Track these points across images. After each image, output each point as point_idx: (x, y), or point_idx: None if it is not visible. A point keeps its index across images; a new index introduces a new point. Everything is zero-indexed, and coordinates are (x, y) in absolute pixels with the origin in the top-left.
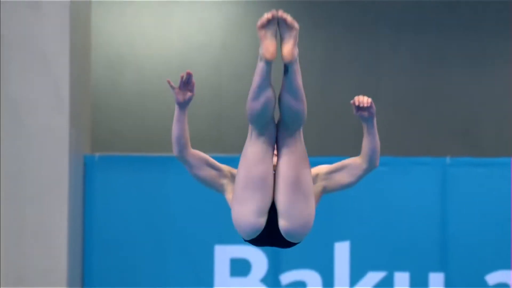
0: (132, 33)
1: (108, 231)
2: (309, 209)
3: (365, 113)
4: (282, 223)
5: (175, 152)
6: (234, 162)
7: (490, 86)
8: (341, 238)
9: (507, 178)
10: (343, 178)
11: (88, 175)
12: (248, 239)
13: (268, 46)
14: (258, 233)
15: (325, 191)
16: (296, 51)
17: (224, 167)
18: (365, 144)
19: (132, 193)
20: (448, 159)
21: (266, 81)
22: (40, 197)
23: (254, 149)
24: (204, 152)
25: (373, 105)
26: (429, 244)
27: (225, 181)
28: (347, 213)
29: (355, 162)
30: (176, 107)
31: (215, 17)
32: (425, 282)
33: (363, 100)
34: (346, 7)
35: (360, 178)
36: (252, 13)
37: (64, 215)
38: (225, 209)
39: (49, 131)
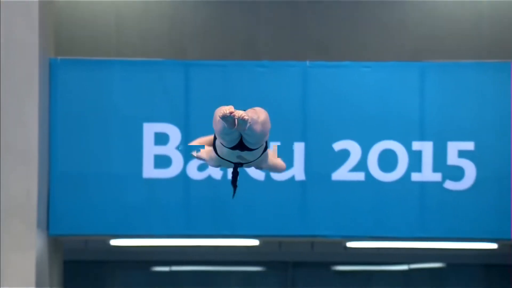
0: None
1: (69, 113)
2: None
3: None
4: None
5: None
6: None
7: (340, 10)
8: None
9: (351, 76)
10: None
11: (53, 73)
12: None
13: (222, 109)
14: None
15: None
16: (249, 117)
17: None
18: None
19: (87, 87)
20: (308, 63)
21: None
22: (16, 91)
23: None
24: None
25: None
26: (294, 120)
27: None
28: (238, 102)
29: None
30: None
31: None
32: (290, 150)
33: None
34: None
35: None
36: None
37: (35, 102)
38: (152, 95)
39: (22, 41)
